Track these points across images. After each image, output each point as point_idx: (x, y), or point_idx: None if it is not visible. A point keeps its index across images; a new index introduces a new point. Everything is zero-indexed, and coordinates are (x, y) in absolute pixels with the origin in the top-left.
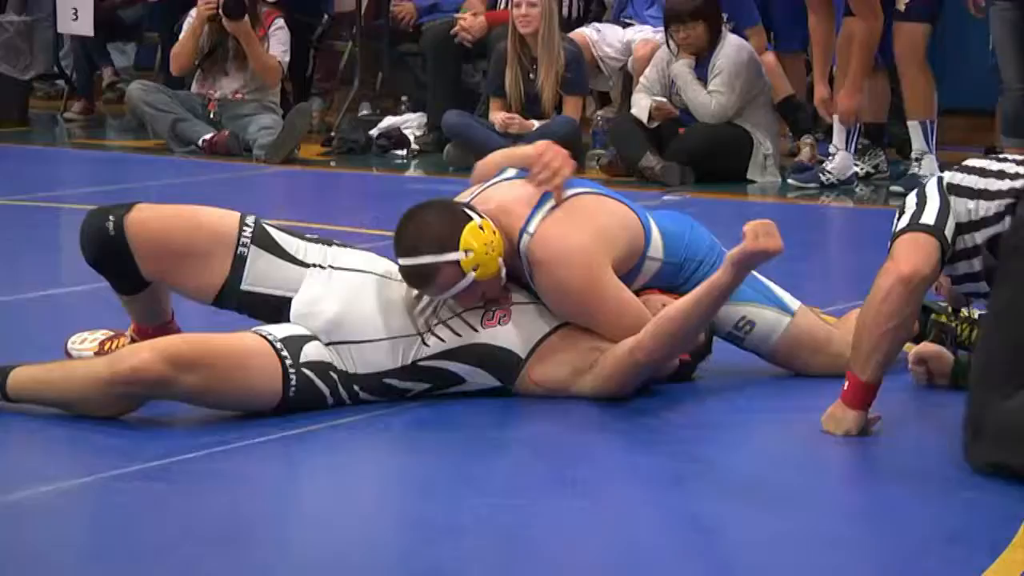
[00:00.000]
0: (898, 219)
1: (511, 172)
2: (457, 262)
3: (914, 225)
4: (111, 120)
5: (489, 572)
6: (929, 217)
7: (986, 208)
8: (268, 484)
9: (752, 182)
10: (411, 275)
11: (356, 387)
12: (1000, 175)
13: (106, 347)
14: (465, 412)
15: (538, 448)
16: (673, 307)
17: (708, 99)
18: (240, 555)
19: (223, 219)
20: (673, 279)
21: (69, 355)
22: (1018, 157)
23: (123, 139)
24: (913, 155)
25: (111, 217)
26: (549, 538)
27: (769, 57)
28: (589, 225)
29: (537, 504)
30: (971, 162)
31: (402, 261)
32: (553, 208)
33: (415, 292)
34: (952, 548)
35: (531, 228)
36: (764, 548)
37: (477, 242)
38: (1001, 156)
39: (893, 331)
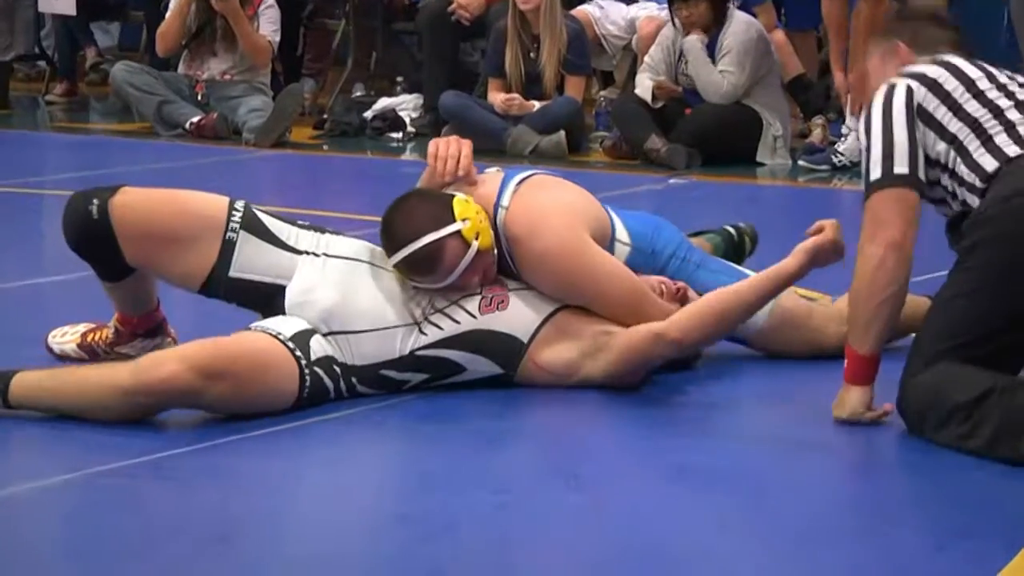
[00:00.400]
0: (867, 150)
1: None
2: (459, 232)
3: (890, 178)
4: (95, 103)
5: (487, 571)
6: (901, 162)
7: (956, 164)
8: (260, 480)
9: (762, 165)
10: (415, 262)
11: (353, 379)
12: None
13: (88, 339)
14: (463, 404)
15: (538, 441)
16: (725, 289)
17: (720, 79)
18: (230, 553)
19: (211, 204)
20: (646, 270)
21: (50, 350)
22: (1000, 80)
23: (107, 122)
24: None
25: (95, 200)
26: (550, 535)
27: (779, 35)
28: (561, 197)
29: (537, 500)
30: (941, 76)
31: (402, 252)
32: (520, 184)
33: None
34: (966, 545)
35: (504, 202)
36: (773, 544)
37: (470, 211)
38: (974, 73)
39: (891, 298)
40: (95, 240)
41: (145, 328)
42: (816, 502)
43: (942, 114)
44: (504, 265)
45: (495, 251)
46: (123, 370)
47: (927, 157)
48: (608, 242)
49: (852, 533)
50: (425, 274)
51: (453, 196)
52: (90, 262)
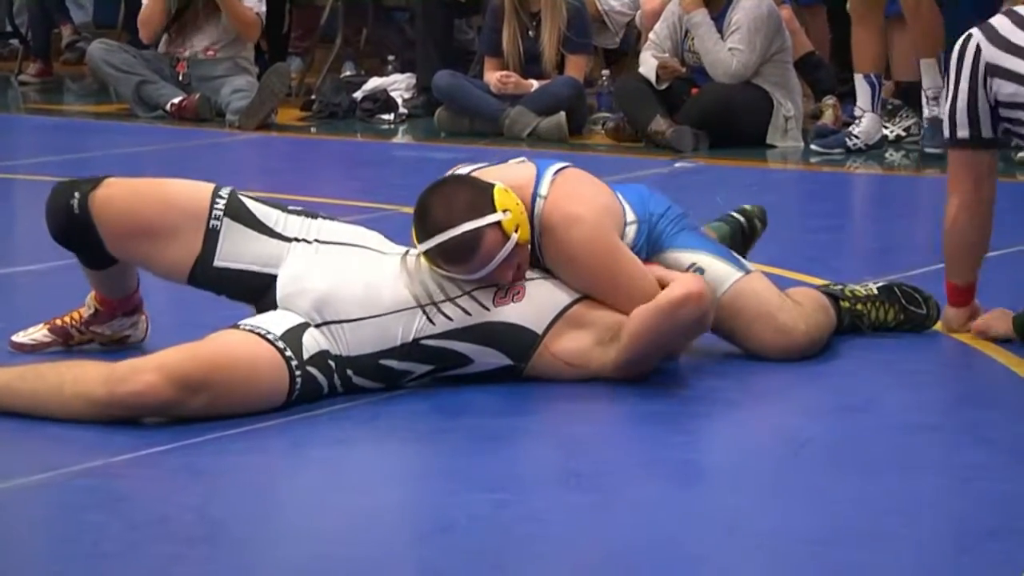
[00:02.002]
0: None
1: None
2: (499, 223)
3: (955, 140)
4: (70, 83)
5: (485, 573)
6: (963, 125)
7: None
8: (246, 479)
9: (772, 147)
10: (449, 251)
11: (349, 371)
12: None
13: (59, 321)
14: (463, 399)
15: (540, 439)
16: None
17: (729, 57)
18: (215, 555)
19: (194, 192)
20: (645, 241)
21: (16, 346)
22: None
23: (83, 103)
24: (928, 93)
25: (76, 194)
26: (554, 536)
27: (786, 11)
28: (595, 193)
29: (540, 499)
30: (1006, 30)
31: (437, 239)
32: (556, 175)
33: (412, 265)
34: (991, 544)
35: (543, 191)
36: (786, 546)
37: (511, 202)
38: None
39: (972, 247)
40: (77, 234)
41: (124, 309)
42: (830, 502)
43: (1009, 61)
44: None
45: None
46: (96, 380)
47: (1005, 102)
48: (623, 225)
49: (868, 535)
50: (458, 264)
51: (494, 185)
52: (74, 252)
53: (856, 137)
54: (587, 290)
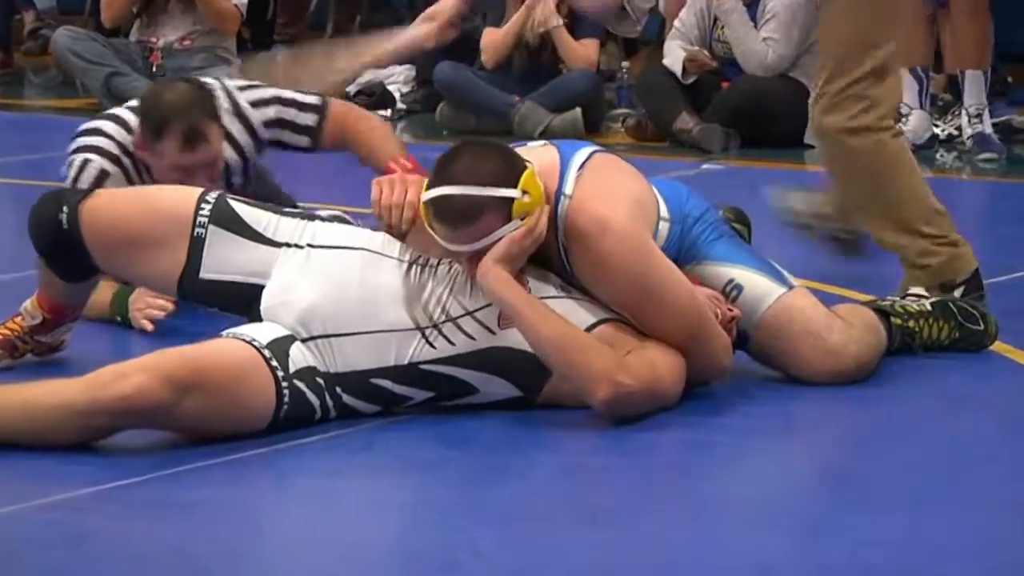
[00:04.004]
0: None
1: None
2: (510, 201)
3: None
4: (32, 75)
5: None
6: None
7: None
8: (227, 513)
9: (810, 147)
10: (451, 207)
11: (339, 389)
12: None
13: (3, 330)
14: (467, 426)
15: (552, 469)
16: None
17: (764, 48)
18: None
19: (181, 198)
20: (678, 244)
21: None
22: None
23: (47, 97)
24: (970, 110)
25: (65, 208)
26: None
27: None
28: (625, 187)
29: (551, 536)
30: None
31: (443, 188)
32: (581, 169)
33: (414, 279)
34: None
35: (567, 189)
36: None
37: (535, 189)
38: None
39: None
40: (64, 249)
41: (73, 316)
42: (871, 541)
43: None
44: (552, 256)
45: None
46: (73, 388)
47: None
48: (656, 220)
49: (908, 574)
50: (447, 224)
51: (529, 167)
52: (55, 268)
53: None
54: (620, 305)
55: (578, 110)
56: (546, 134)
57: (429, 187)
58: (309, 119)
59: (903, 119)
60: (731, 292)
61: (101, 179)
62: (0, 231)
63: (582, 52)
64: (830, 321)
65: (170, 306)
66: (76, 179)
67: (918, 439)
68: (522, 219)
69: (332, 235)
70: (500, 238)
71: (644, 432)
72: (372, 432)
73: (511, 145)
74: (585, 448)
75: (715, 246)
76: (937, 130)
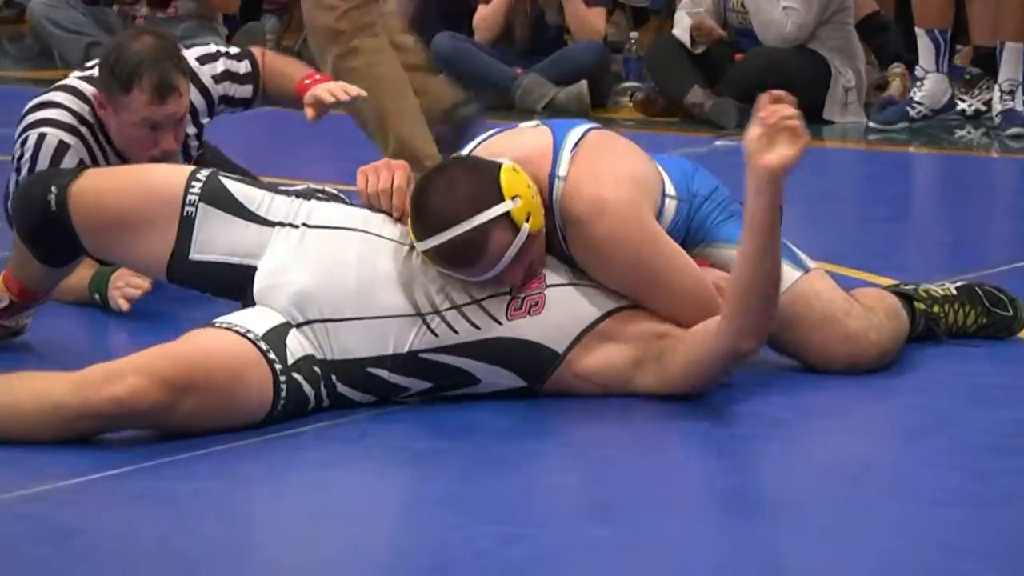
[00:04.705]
0: None
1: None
2: (508, 214)
3: None
4: (7, 44)
5: None
6: None
7: None
8: (216, 507)
9: (830, 123)
10: (451, 252)
11: (333, 377)
12: None
13: None
14: (467, 417)
15: (558, 463)
16: (737, 267)
17: (784, 17)
18: None
19: (172, 176)
20: (685, 224)
21: None
22: None
23: (22, 68)
24: (1003, 85)
25: (53, 189)
26: None
27: None
28: (623, 165)
29: (556, 534)
30: None
31: (435, 239)
32: (576, 147)
33: (416, 261)
34: None
35: (561, 171)
36: None
37: (521, 185)
38: None
39: None
40: (52, 233)
41: (41, 300)
42: (891, 538)
43: None
44: (553, 243)
45: (544, 232)
46: (63, 389)
47: None
48: (660, 199)
49: (927, 572)
50: (462, 267)
51: (500, 165)
52: (37, 251)
53: (919, 104)
54: (623, 290)
55: (584, 83)
56: (550, 108)
57: (418, 240)
58: (245, 66)
59: (918, 84)
60: None
61: (61, 152)
62: None
63: (589, 22)
64: (849, 307)
65: (146, 284)
66: (34, 156)
67: (941, 431)
68: (528, 219)
69: (329, 215)
70: (520, 245)
71: (653, 423)
72: (366, 422)
73: (499, 129)
74: (591, 440)
75: (724, 227)
76: (964, 105)
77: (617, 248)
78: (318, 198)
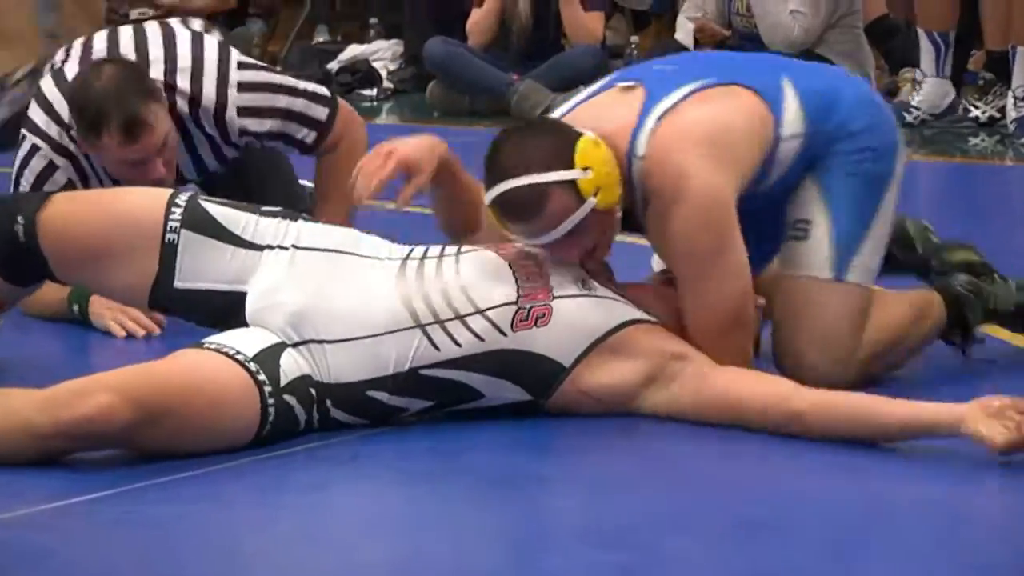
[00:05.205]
0: None
1: (585, 91)
2: (574, 182)
3: None
4: None
5: None
6: None
7: None
8: (200, 532)
9: None
10: (511, 202)
11: (328, 402)
12: None
13: None
14: (465, 435)
15: (563, 485)
16: (873, 399)
17: (790, 21)
18: None
19: (149, 201)
20: (803, 160)
21: None
22: None
23: None
24: (1018, 91)
25: (20, 219)
26: None
27: None
28: (709, 141)
29: (558, 558)
30: None
31: (500, 186)
32: (661, 119)
33: (413, 273)
34: None
35: (639, 150)
36: None
37: (596, 159)
38: None
39: None
40: (21, 263)
41: (5, 311)
42: (896, 556)
43: None
44: (634, 215)
45: (617, 217)
46: (31, 408)
47: None
48: (770, 149)
49: None
50: (518, 221)
51: (581, 135)
52: (4, 274)
53: (915, 108)
54: (672, 268)
55: (582, 89)
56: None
57: (486, 188)
58: (319, 113)
59: (916, 87)
60: (794, 232)
61: (47, 173)
62: None
63: (586, 26)
64: (853, 343)
65: (156, 328)
66: (21, 168)
67: (953, 442)
68: (596, 195)
69: (318, 236)
70: (582, 217)
71: (661, 441)
72: (358, 442)
73: (586, 90)
74: (598, 460)
75: (835, 177)
76: (977, 111)
77: (685, 236)
78: (304, 219)
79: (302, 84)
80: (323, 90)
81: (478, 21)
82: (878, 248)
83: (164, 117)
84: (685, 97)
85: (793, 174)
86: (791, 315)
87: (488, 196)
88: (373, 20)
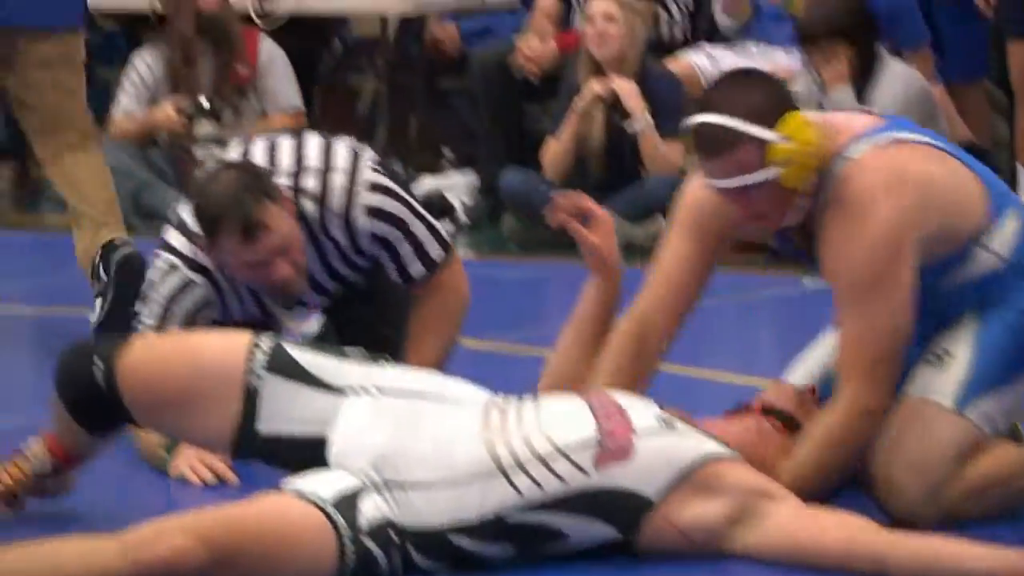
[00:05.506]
0: None
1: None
2: (765, 143)
3: None
4: (50, 190)
5: None
6: None
7: None
8: None
9: None
10: (704, 135)
11: (409, 545)
12: None
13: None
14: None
15: None
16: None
17: None
18: None
19: (230, 345)
20: (997, 289)
21: None
22: None
23: (67, 215)
24: None
25: (100, 364)
26: None
27: (938, 90)
28: (926, 182)
29: None
30: None
31: (703, 115)
32: (892, 142)
33: (496, 417)
34: None
35: (854, 153)
36: None
37: (801, 135)
38: None
39: None
40: (100, 408)
41: (91, 459)
42: None
43: None
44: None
45: (802, 204)
46: (108, 550)
47: None
48: (965, 242)
49: None
50: (703, 151)
51: (796, 110)
52: (83, 421)
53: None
54: (831, 282)
55: (661, 219)
56: (625, 248)
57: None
58: (435, 251)
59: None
60: (930, 358)
61: (186, 290)
62: (9, 367)
63: (667, 159)
64: (950, 474)
65: (232, 477)
66: (158, 285)
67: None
68: (784, 167)
69: (403, 380)
70: (760, 180)
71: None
72: None
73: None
74: None
75: (997, 323)
76: None
77: (861, 253)
78: (387, 360)
79: (426, 212)
80: (444, 230)
81: (555, 152)
82: (1007, 405)
83: (284, 218)
84: (926, 144)
85: (964, 300)
86: (896, 431)
87: (691, 119)
88: (447, 151)
